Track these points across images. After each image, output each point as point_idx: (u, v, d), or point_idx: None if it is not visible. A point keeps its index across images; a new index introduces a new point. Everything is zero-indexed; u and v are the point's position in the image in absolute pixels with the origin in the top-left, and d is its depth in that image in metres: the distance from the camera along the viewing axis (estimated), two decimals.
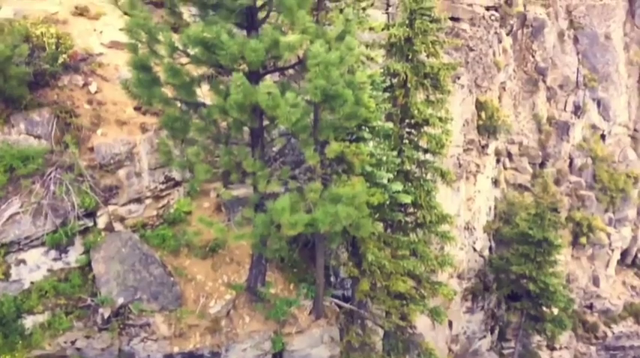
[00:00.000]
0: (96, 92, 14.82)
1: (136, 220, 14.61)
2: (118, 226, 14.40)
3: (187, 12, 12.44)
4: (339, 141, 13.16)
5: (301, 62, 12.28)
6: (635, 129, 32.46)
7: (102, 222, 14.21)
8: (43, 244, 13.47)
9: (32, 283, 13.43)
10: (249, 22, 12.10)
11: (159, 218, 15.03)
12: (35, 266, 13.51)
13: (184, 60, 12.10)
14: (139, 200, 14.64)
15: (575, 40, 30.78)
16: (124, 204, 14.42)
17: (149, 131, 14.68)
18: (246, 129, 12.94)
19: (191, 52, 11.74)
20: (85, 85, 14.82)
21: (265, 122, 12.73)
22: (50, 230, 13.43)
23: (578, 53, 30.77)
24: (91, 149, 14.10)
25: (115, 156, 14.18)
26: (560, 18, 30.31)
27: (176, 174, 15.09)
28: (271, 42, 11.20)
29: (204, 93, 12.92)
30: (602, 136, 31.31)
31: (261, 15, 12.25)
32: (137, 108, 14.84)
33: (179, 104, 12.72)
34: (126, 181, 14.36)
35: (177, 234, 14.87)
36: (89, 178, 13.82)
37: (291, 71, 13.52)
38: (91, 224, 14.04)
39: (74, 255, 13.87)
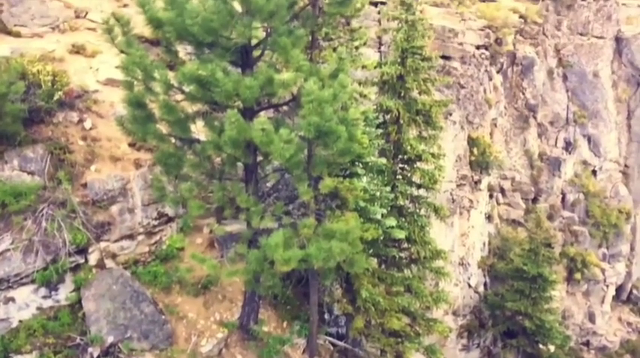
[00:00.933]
0: (91, 128, 14.88)
1: (128, 257, 14.46)
2: (109, 263, 14.24)
3: (183, 50, 12.63)
4: (333, 177, 13.21)
5: (295, 99, 12.43)
6: (625, 165, 32.80)
7: (93, 258, 14.05)
8: (33, 282, 13.26)
9: (21, 322, 13.16)
10: (244, 60, 12.30)
11: (151, 254, 14.88)
12: (24, 304, 13.27)
13: (179, 97, 12.22)
14: (131, 236, 14.52)
15: (565, 78, 31.40)
16: (116, 241, 14.29)
17: (143, 167, 14.69)
18: (240, 164, 12.98)
19: (186, 89, 11.87)
20: (80, 121, 14.90)
21: (259, 158, 12.78)
22: (41, 267, 13.25)
23: (567, 90, 31.35)
24: (85, 185, 14.07)
25: (109, 192, 14.14)
26: (549, 56, 30.99)
27: (169, 210, 15.03)
28: (266, 79, 11.36)
29: (198, 130, 13.01)
30: (594, 172, 31.61)
31: (256, 53, 12.45)
32: (131, 145, 14.88)
33: (173, 140, 12.78)
34: (118, 217, 14.28)
35: (170, 270, 14.70)
36: (81, 214, 13.73)
37: (285, 108, 13.66)
38: (82, 261, 13.87)
39: (64, 293, 13.66)
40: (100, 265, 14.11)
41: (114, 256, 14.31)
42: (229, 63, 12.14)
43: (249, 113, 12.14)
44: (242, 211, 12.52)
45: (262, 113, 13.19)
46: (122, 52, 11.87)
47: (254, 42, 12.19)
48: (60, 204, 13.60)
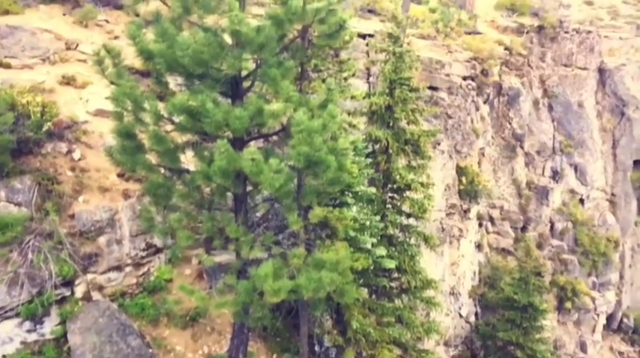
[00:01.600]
0: (79, 159, 14.83)
1: (115, 289, 14.24)
2: (96, 295, 14.01)
3: (173, 81, 12.72)
4: (323, 207, 13.20)
5: (285, 129, 12.49)
6: (612, 194, 33.14)
7: (80, 291, 13.82)
8: (17, 315, 12.98)
9: (4, 357, 12.83)
10: (234, 91, 12.39)
11: (139, 286, 14.67)
12: (8, 338, 12.96)
13: (169, 127, 12.24)
14: (118, 268, 14.34)
15: (550, 108, 31.93)
16: (103, 272, 14.10)
17: (132, 198, 14.60)
18: (229, 194, 12.95)
19: (176, 119, 11.90)
20: (69, 152, 14.85)
21: (249, 188, 12.76)
22: (26, 300, 13.00)
23: (553, 120, 31.84)
24: (72, 216, 13.94)
25: (96, 223, 14.01)
26: (535, 87, 31.57)
27: (157, 241, 14.89)
28: (255, 110, 11.44)
29: (188, 160, 13.00)
30: (581, 200, 31.88)
31: (246, 84, 12.57)
32: (120, 175, 14.83)
33: (163, 171, 12.74)
34: (106, 248, 14.12)
35: (157, 302, 14.48)
36: (68, 246, 13.56)
37: (275, 138, 13.72)
38: (68, 293, 13.64)
39: (49, 326, 13.37)
40: (87, 297, 13.88)
41: (101, 288, 14.09)
42: (219, 94, 12.23)
43: (238, 143, 12.17)
44: (231, 241, 12.43)
45: (252, 143, 13.24)
46: (112, 83, 11.93)
47: (244, 73, 12.31)
48: (47, 236, 13.44)
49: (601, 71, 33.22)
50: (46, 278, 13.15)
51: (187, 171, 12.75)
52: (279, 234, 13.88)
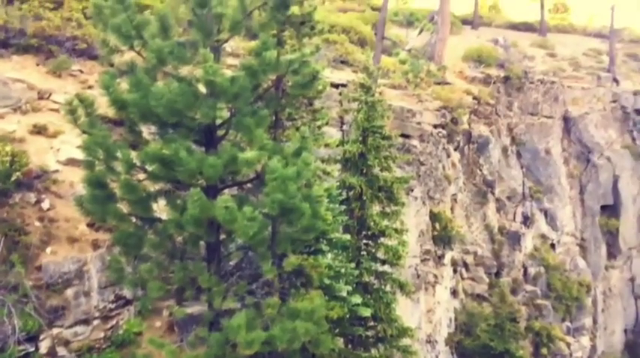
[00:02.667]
0: (48, 209, 14.53)
1: (82, 343, 13.70)
2: (61, 351, 13.44)
3: (147, 130, 12.72)
4: (297, 254, 13.10)
5: (259, 177, 12.52)
6: (582, 239, 33.73)
7: (44, 346, 13.25)
8: None
9: None
10: (208, 139, 12.44)
11: (106, 340, 14.15)
12: None
13: (141, 176, 12.15)
14: (86, 321, 13.85)
15: (519, 155, 32.76)
16: (69, 326, 13.59)
17: (101, 248, 14.28)
18: (202, 243, 12.78)
19: (149, 168, 11.84)
20: (38, 202, 14.55)
21: (222, 236, 12.63)
22: None
23: (522, 167, 32.62)
24: (39, 268, 13.52)
25: (64, 275, 13.60)
26: (503, 135, 32.46)
27: (127, 293, 14.49)
28: (229, 158, 11.47)
29: (160, 209, 12.85)
30: (552, 245, 32.33)
31: (220, 133, 12.64)
32: (90, 225, 14.54)
33: (134, 220, 12.56)
34: (73, 301, 13.67)
35: (126, 357, 13.96)
36: (34, 299, 13.09)
37: (249, 185, 13.71)
38: (32, 349, 13.05)
39: None
40: (52, 353, 13.30)
41: (67, 343, 13.54)
42: (193, 142, 12.25)
43: (212, 191, 12.12)
44: (203, 292, 12.19)
45: (226, 191, 13.20)
46: (84, 132, 11.87)
47: (218, 122, 12.39)
48: (12, 289, 12.96)
49: (566, 119, 34.41)
50: (9, 334, 12.60)
51: (159, 220, 12.58)
52: (252, 283, 13.66)
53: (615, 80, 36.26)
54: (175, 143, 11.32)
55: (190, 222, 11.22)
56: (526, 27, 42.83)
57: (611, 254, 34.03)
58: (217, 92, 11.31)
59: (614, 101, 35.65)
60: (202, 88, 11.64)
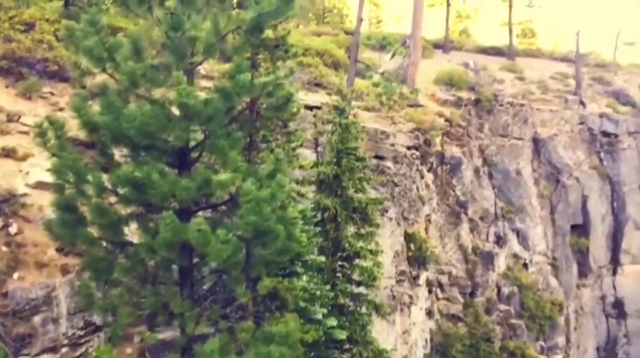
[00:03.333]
0: (16, 234, 14.17)
1: None
2: None
3: (119, 153, 12.57)
4: (272, 277, 13.00)
5: (233, 199, 12.45)
6: (554, 258, 34.25)
7: None
8: None
9: None
10: (181, 161, 12.34)
11: None
12: None
13: (113, 199, 11.97)
14: (54, 349, 13.43)
15: (490, 176, 33.29)
16: (37, 355, 13.15)
17: (70, 273, 13.95)
18: (175, 267, 12.58)
19: (120, 191, 11.68)
20: (5, 226, 14.18)
21: (195, 260, 12.46)
22: None
23: (494, 187, 33.12)
24: (5, 294, 13.11)
25: (31, 302, 13.21)
26: (475, 156, 32.98)
27: (97, 319, 14.13)
28: (203, 180, 11.40)
29: (131, 232, 12.65)
30: (525, 265, 32.73)
31: (194, 155, 12.56)
32: (59, 250, 14.20)
33: (104, 244, 12.32)
34: (41, 328, 13.26)
35: None
36: (0, 327, 12.68)
37: (223, 207, 13.61)
38: None
39: None
40: None
41: None
42: (166, 164, 12.13)
43: (185, 214, 11.99)
44: (176, 317, 11.96)
45: (200, 213, 13.08)
46: (54, 155, 11.67)
47: (192, 144, 12.33)
48: None
49: (535, 141, 35.17)
50: None
51: (131, 243, 12.37)
52: (226, 307, 13.47)
53: (582, 103, 37.31)
54: (148, 165, 11.21)
55: (163, 246, 11.06)
56: (495, 51, 43.98)
57: (582, 273, 34.60)
58: (191, 114, 11.28)
59: (582, 123, 36.63)
60: (175, 111, 11.60)
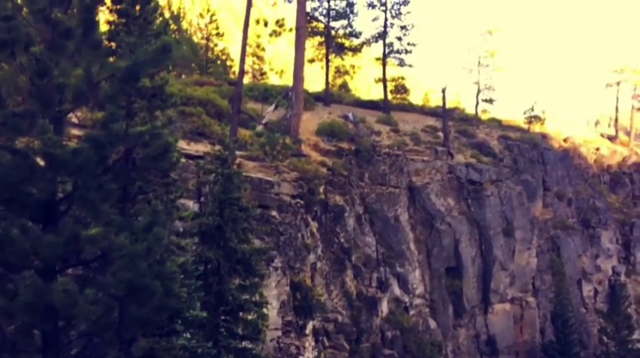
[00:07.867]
0: None
1: None
2: None
3: None
4: (149, 337, 12.25)
5: (105, 255, 11.70)
6: (431, 300, 35.81)
7: None
8: None
9: None
10: (47, 215, 11.45)
11: None
12: None
13: None
14: None
15: (371, 223, 34.48)
16: None
17: None
18: (37, 333, 11.43)
19: None
20: None
21: (61, 323, 11.42)
22: None
23: (375, 234, 34.28)
24: None
25: None
26: (357, 204, 34.09)
27: None
28: (71, 236, 10.65)
29: None
30: (406, 308, 33.88)
31: (62, 208, 11.72)
32: None
33: None
34: None
35: None
36: None
37: (95, 264, 12.72)
38: None
39: None
40: None
41: None
42: (29, 219, 11.20)
43: (50, 273, 11.03)
44: None
45: (70, 270, 12.11)
46: None
47: (60, 196, 11.51)
48: None
49: (411, 189, 37.18)
50: None
51: None
52: None
53: (450, 154, 40.31)
54: (6, 221, 10.25)
55: (22, 310, 10.06)
56: (372, 105, 46.59)
57: (457, 313, 36.44)
58: (57, 165, 10.58)
59: (450, 172, 39.45)
60: (41, 161, 10.82)
